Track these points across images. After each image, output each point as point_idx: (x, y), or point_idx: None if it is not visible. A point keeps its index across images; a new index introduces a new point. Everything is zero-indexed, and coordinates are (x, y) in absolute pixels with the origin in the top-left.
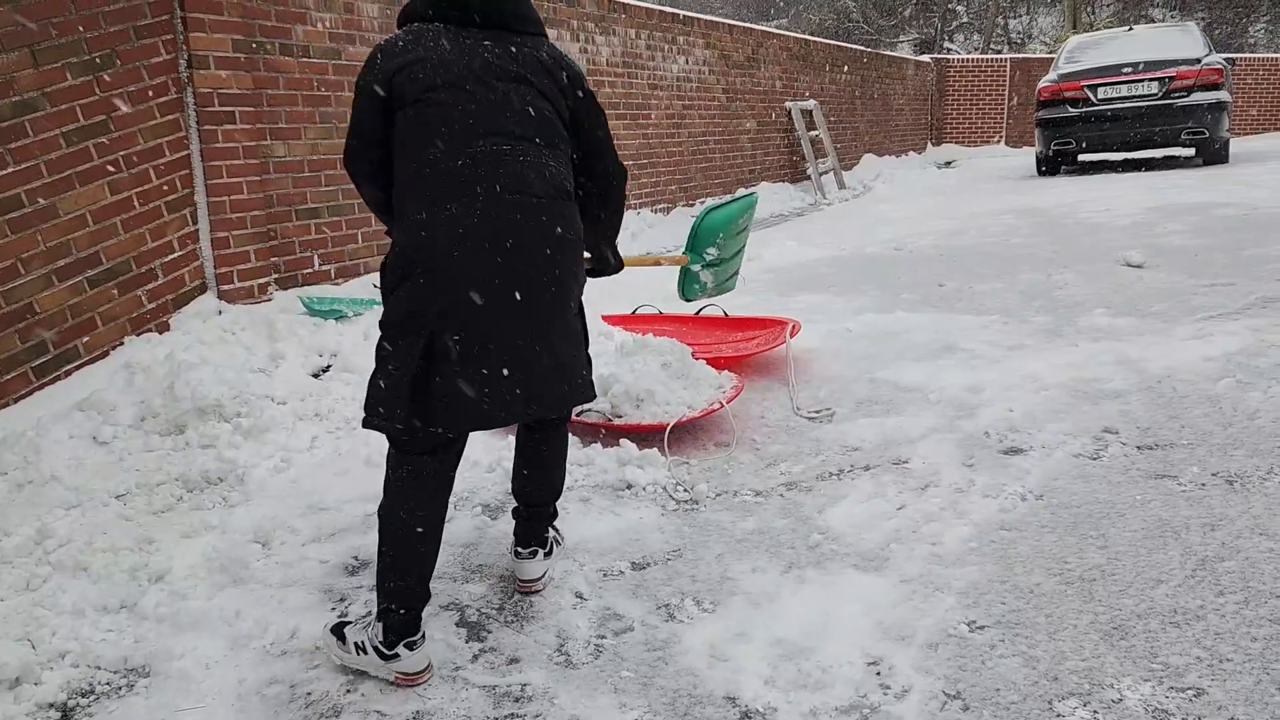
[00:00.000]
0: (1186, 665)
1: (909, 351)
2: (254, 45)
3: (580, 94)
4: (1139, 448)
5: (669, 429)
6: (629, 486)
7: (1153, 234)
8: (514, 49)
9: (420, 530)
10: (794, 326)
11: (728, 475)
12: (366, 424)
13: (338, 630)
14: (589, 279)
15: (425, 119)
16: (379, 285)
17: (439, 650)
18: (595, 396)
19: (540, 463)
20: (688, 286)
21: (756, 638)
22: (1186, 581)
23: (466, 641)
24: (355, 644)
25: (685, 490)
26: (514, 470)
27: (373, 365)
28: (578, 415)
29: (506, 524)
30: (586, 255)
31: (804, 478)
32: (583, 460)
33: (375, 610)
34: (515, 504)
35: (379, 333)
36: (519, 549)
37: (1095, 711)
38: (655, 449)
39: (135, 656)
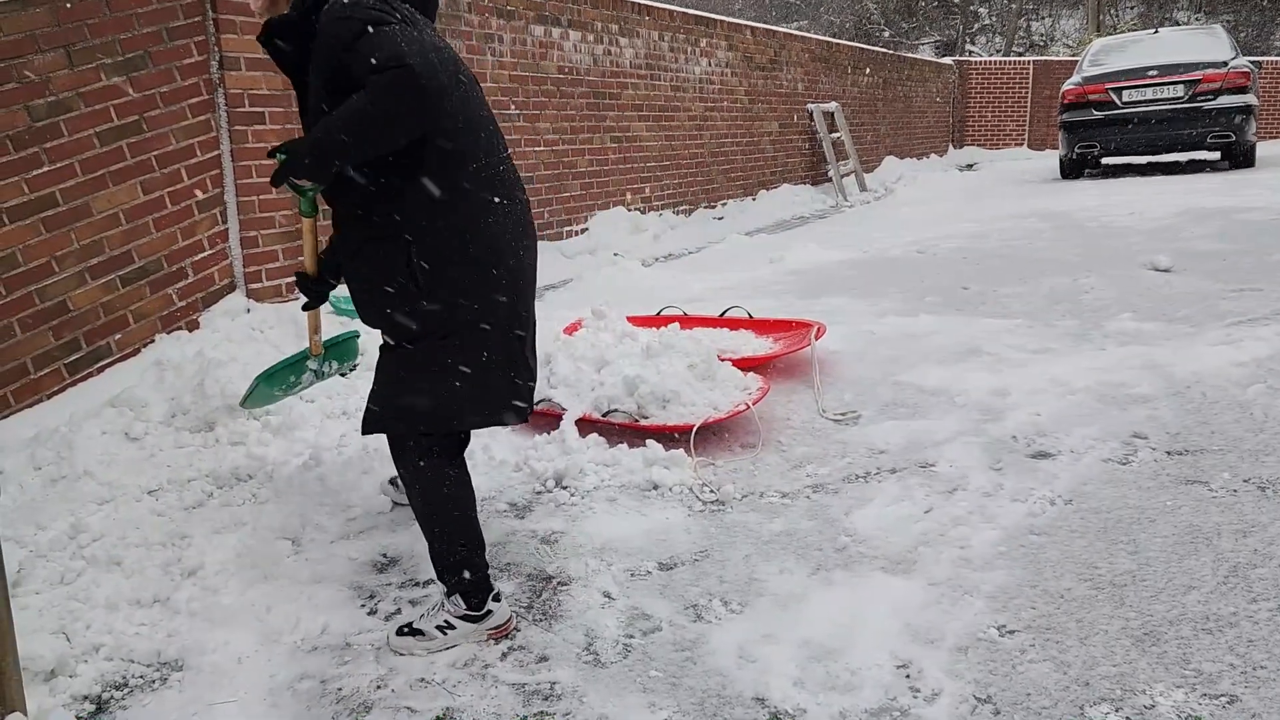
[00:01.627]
0: (1219, 672)
1: (933, 354)
2: None
3: None
4: (1169, 453)
5: (695, 430)
6: (655, 487)
7: (1179, 238)
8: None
9: (473, 501)
10: (819, 329)
11: (754, 477)
12: (479, 423)
13: (407, 630)
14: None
15: (467, 101)
16: (418, 274)
17: (467, 649)
18: None
19: None
20: (253, 396)
21: (785, 639)
22: (1219, 588)
23: (495, 640)
24: (438, 627)
25: (712, 491)
26: None
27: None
28: (604, 415)
29: (534, 522)
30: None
31: (830, 480)
32: (609, 460)
33: (444, 591)
34: None
35: (443, 322)
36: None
37: (1128, 717)
38: (681, 450)
39: (168, 650)
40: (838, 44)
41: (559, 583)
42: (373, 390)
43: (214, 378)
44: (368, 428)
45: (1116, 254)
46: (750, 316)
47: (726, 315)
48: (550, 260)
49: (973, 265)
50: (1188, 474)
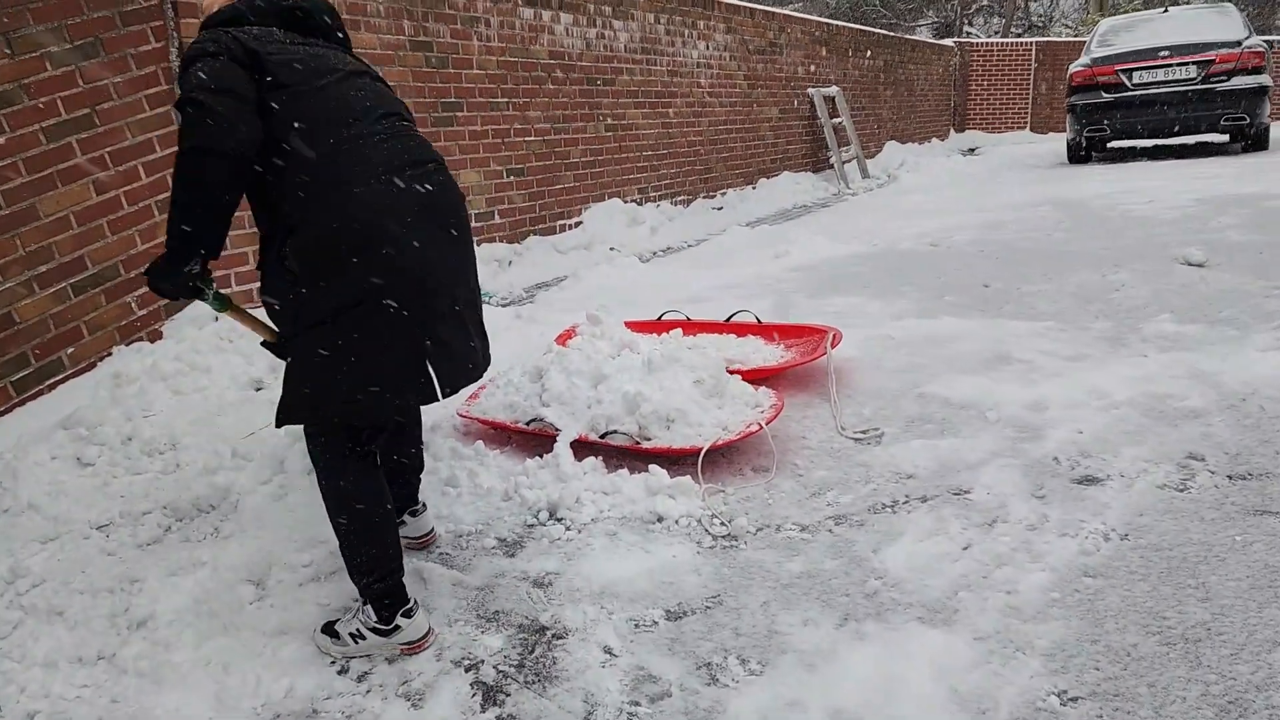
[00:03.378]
0: None
1: (958, 361)
2: None
3: None
4: (1230, 477)
5: (703, 453)
6: (660, 519)
7: (1206, 229)
8: (345, 56)
9: (383, 504)
10: (835, 336)
11: (769, 506)
12: (354, 415)
13: (328, 629)
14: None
15: (324, 100)
16: (291, 269)
17: (450, 714)
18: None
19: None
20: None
21: (813, 707)
22: None
23: (483, 708)
24: (350, 634)
25: (723, 524)
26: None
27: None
28: (602, 437)
29: (525, 561)
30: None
31: (854, 510)
32: (608, 488)
33: (359, 597)
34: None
35: (323, 317)
36: (413, 509)
37: None
38: (688, 476)
39: (111, 719)
40: (839, 26)
41: (554, 635)
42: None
43: (175, 393)
44: (277, 419)
45: (1143, 246)
46: (759, 321)
47: (733, 320)
48: (543, 256)
49: (991, 259)
50: (1255, 502)
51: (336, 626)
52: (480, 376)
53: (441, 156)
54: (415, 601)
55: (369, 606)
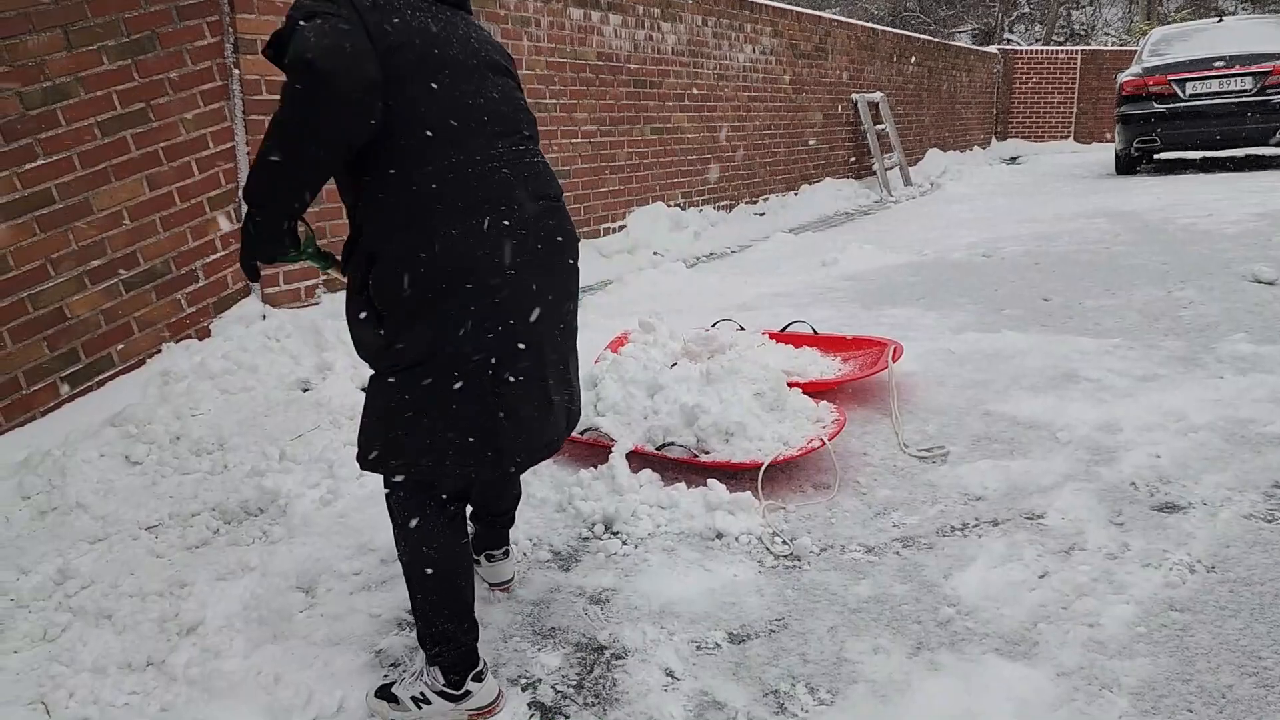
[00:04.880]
0: None
1: (1023, 378)
2: None
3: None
4: None
5: (764, 469)
6: (719, 536)
7: (1272, 245)
8: (479, 32)
9: (463, 568)
10: (896, 349)
11: (831, 525)
12: (421, 475)
13: (384, 693)
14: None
15: (439, 105)
16: (373, 304)
17: None
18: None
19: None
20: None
21: None
22: None
23: None
24: (413, 699)
25: (785, 543)
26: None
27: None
28: (659, 449)
29: (581, 576)
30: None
31: (921, 532)
32: (665, 502)
33: (425, 659)
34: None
35: (397, 363)
36: (490, 552)
37: None
38: (747, 492)
39: None
40: (883, 31)
41: (613, 655)
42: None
43: (223, 392)
44: (360, 462)
45: (1207, 262)
46: (815, 333)
47: (788, 331)
48: (587, 259)
49: (1048, 272)
50: None
51: (395, 690)
52: (559, 448)
53: (560, 189)
54: (485, 663)
55: (435, 668)
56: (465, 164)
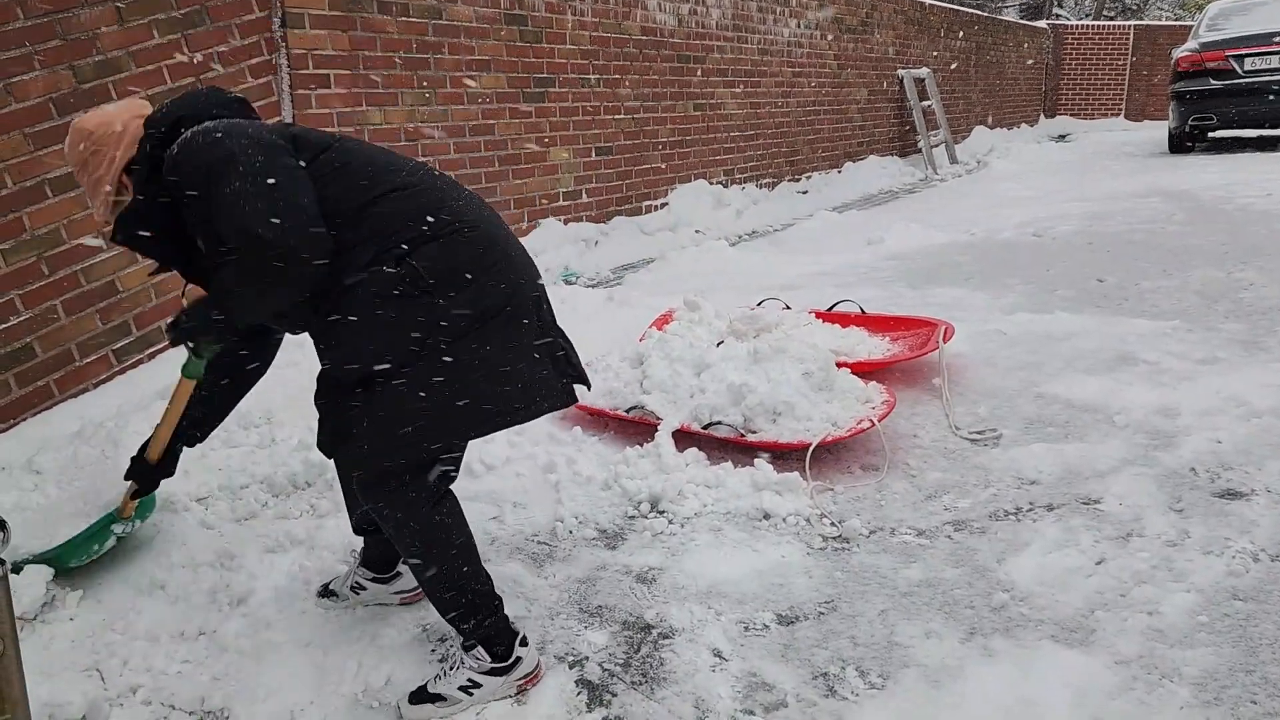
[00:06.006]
0: None
1: (1078, 361)
2: (352, 3)
3: None
4: None
5: (812, 449)
6: (766, 516)
7: None
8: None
9: (475, 547)
10: (947, 330)
11: (881, 507)
12: (488, 425)
13: (423, 696)
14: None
15: (368, 153)
16: (421, 285)
17: (555, 713)
18: None
19: None
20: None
21: None
22: None
23: (589, 708)
24: (460, 688)
25: (833, 524)
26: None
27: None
28: (705, 428)
29: (627, 555)
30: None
31: (973, 515)
32: (711, 481)
33: (462, 644)
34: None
35: (465, 324)
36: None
37: None
38: (795, 472)
39: (213, 697)
40: (931, 5)
41: (660, 635)
42: (362, 431)
43: None
44: (367, 482)
45: (1268, 243)
46: (862, 312)
47: (835, 310)
48: (629, 237)
49: (1102, 253)
50: None
51: (435, 689)
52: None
53: None
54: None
55: (479, 648)
56: (418, 178)
